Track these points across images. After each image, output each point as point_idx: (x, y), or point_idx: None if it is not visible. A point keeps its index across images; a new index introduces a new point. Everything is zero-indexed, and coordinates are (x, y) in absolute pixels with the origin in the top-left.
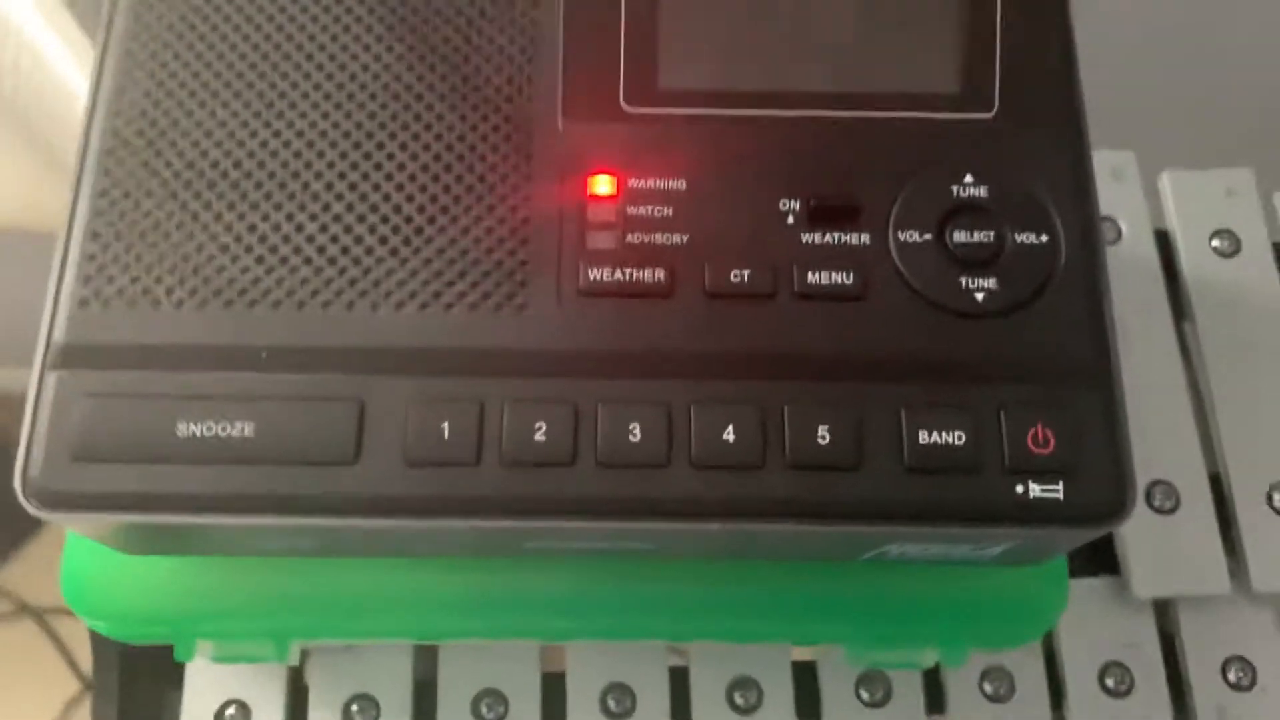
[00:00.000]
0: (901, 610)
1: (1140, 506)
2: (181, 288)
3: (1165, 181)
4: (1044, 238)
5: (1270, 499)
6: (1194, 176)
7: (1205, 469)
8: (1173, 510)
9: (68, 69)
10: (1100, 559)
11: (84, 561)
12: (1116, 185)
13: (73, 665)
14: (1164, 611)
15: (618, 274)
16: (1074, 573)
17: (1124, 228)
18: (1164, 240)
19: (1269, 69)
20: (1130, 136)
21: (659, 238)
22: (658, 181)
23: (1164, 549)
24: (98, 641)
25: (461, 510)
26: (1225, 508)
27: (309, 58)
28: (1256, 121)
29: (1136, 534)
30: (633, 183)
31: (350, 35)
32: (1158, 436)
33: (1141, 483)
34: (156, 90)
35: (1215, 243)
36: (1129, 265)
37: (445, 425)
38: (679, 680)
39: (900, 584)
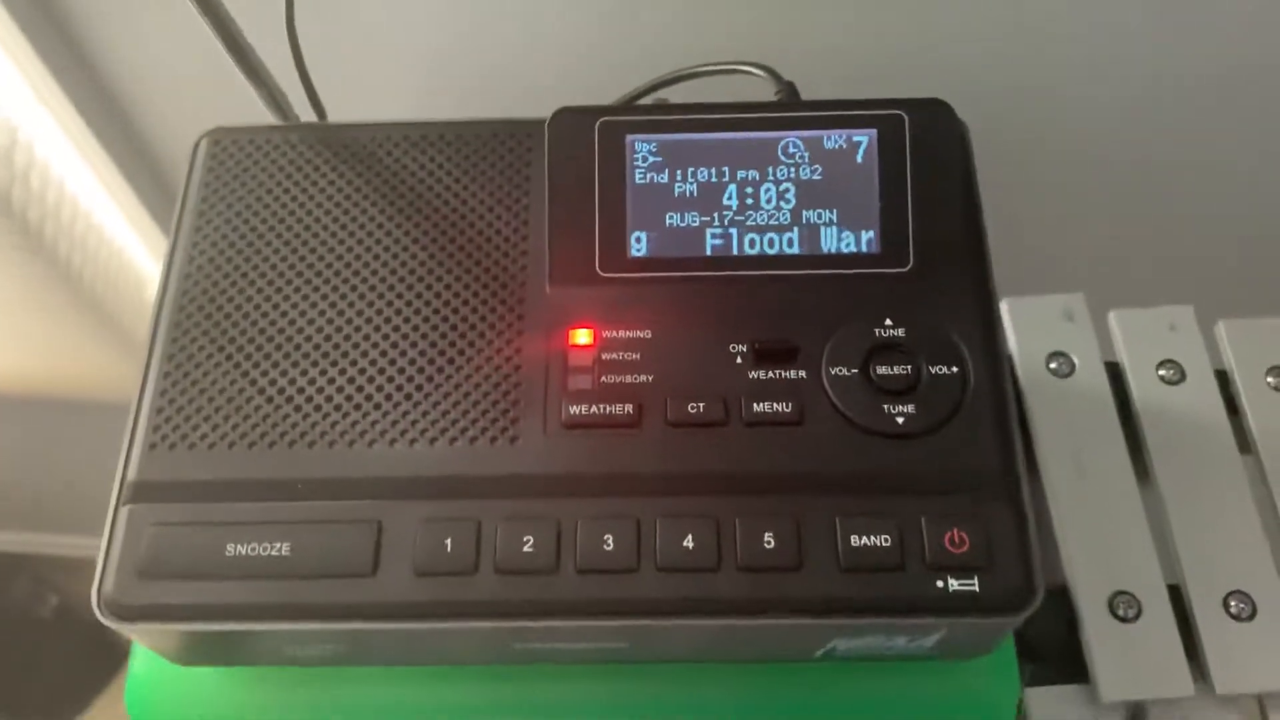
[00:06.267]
0: (856, 708)
1: (1104, 615)
2: (233, 433)
3: (1113, 320)
4: (954, 369)
5: (1226, 605)
6: (1139, 314)
7: (1164, 580)
8: (1135, 618)
9: (127, 242)
10: (1071, 667)
11: (145, 673)
12: (1069, 324)
13: None
14: (1137, 717)
15: (594, 409)
16: (1046, 680)
17: (1077, 361)
18: (1115, 372)
19: (1207, 207)
20: (1080, 279)
21: (629, 378)
22: (628, 332)
23: (1129, 655)
24: None
25: (461, 613)
26: (1185, 615)
27: (336, 249)
28: (1196, 257)
29: (1102, 641)
30: (607, 334)
31: (371, 229)
32: (1119, 551)
33: (1105, 593)
34: (215, 276)
35: (1162, 372)
36: (1084, 396)
37: (448, 541)
38: None
39: (855, 685)
